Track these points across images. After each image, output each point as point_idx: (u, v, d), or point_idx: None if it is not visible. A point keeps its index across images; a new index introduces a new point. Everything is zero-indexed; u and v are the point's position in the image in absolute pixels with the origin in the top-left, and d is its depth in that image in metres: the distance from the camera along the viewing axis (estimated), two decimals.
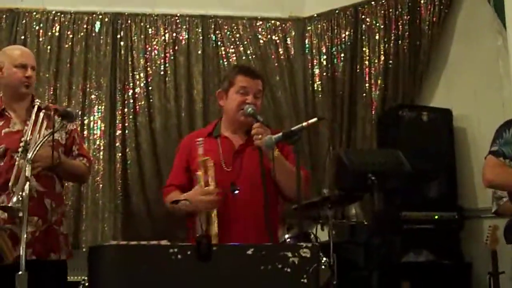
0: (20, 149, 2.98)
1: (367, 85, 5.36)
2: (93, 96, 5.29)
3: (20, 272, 2.16)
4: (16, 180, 2.82)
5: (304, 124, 2.86)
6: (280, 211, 3.35)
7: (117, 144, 5.28)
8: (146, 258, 2.02)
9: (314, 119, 2.92)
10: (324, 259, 3.83)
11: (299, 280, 2.13)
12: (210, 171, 2.93)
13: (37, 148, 2.52)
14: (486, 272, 4.38)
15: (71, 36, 5.32)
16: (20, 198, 2.34)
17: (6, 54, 3.26)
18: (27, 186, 2.31)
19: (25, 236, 2.26)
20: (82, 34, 5.34)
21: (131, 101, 5.35)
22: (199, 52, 5.48)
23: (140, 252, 2.07)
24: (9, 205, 2.48)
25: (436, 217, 4.79)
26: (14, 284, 2.24)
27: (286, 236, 4.39)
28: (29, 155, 2.42)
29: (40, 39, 5.27)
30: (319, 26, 5.57)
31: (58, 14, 5.34)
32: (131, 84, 5.36)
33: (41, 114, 2.94)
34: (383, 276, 3.86)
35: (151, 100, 5.38)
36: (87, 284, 2.56)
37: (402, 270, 4.60)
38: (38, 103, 3.09)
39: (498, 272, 4.24)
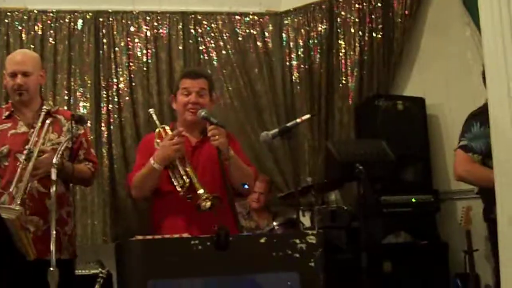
0: (24, 156, 3.03)
1: (343, 76, 5.57)
2: (78, 94, 5.39)
3: (51, 269, 2.29)
4: (16, 186, 2.90)
5: (298, 120, 3.08)
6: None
7: (103, 140, 5.40)
8: (170, 250, 2.21)
9: (307, 116, 3.13)
10: None
11: (307, 264, 2.35)
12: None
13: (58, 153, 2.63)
14: (461, 250, 4.65)
15: (53, 34, 5.40)
16: (18, 203, 2.46)
17: (6, 62, 3.37)
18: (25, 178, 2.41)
19: (54, 235, 2.38)
20: (64, 32, 5.42)
21: (115, 97, 5.47)
22: (180, 47, 5.62)
23: (164, 245, 2.26)
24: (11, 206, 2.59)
25: (413, 200, 5.04)
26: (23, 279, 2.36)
27: (274, 223, 4.60)
28: (55, 159, 2.55)
29: (23, 38, 5.34)
30: (296, 20, 5.75)
31: (40, 13, 5.41)
32: (115, 81, 5.48)
33: (47, 121, 3.01)
34: (366, 257, 4.08)
35: (134, 96, 5.51)
36: (105, 276, 2.72)
37: (383, 251, 4.84)
38: (45, 108, 3.12)
39: (472, 250, 4.50)
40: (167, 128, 3.24)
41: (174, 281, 2.20)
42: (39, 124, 3.19)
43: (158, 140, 3.20)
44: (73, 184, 3.65)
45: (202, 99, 3.31)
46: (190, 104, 3.25)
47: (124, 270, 2.22)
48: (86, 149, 3.44)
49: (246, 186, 3.04)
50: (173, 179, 3.09)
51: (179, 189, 3.03)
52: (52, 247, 2.35)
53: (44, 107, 3.27)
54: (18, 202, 2.63)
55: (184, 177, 3.03)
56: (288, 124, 3.07)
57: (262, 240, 2.32)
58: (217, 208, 3.02)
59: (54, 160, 2.61)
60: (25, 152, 3.06)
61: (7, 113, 3.34)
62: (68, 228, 3.32)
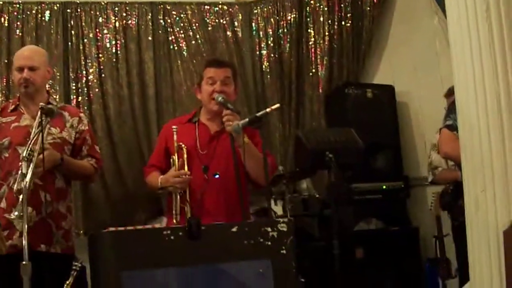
0: (25, 153, 2.95)
1: (313, 65, 5.59)
2: (47, 86, 5.31)
3: (24, 262, 2.29)
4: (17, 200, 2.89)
5: (268, 109, 3.10)
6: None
7: None
8: (142, 241, 2.22)
9: (277, 105, 3.16)
10: None
11: (279, 251, 2.38)
12: (183, 155, 3.16)
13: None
14: (431, 235, 4.74)
15: (20, 26, 5.30)
16: (21, 213, 2.48)
17: (14, 58, 3.51)
18: (28, 179, 2.45)
19: (26, 229, 2.38)
20: (31, 24, 5.32)
21: (85, 89, 5.39)
22: (149, 38, 5.56)
23: (136, 236, 2.26)
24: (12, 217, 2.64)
25: (384, 187, 5.11)
26: (12, 272, 2.38)
27: None
28: (24, 153, 2.53)
29: None
30: (265, 9, 5.74)
31: (6, 4, 5.30)
32: (84, 72, 5.40)
33: (44, 119, 2.99)
34: (338, 245, 4.12)
35: (104, 88, 5.44)
36: (78, 269, 2.72)
37: (355, 238, 4.90)
38: (42, 104, 3.09)
39: (442, 235, 4.58)
40: (183, 148, 3.28)
41: (147, 272, 2.21)
42: (37, 120, 3.17)
43: (174, 157, 3.28)
44: (75, 179, 3.68)
45: (227, 88, 3.39)
46: (216, 92, 3.30)
47: (97, 262, 2.23)
48: (90, 146, 3.52)
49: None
50: (173, 203, 3.18)
51: (173, 216, 3.15)
52: (24, 241, 2.35)
53: (42, 103, 3.24)
54: (25, 202, 2.62)
55: (177, 214, 3.14)
56: (258, 114, 3.08)
57: (234, 229, 2.34)
58: (226, 194, 3.18)
59: (24, 154, 2.61)
60: (25, 154, 3.04)
61: (12, 106, 3.45)
62: (66, 223, 3.39)
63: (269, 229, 2.38)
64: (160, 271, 2.22)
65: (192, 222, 2.25)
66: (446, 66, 4.84)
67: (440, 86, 4.94)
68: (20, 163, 2.70)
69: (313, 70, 5.60)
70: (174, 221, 3.12)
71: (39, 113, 2.91)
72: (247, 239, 2.35)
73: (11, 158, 3.26)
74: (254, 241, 2.35)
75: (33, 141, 2.74)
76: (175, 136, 3.23)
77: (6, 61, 5.23)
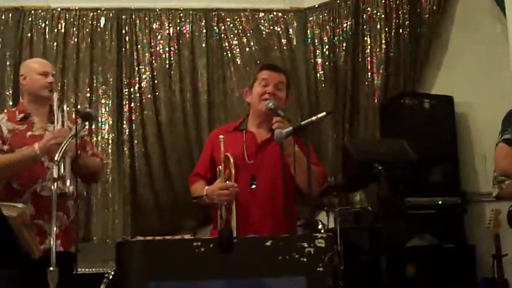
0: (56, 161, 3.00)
1: (369, 74, 5.44)
2: (100, 91, 5.40)
3: (51, 268, 2.25)
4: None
5: (314, 118, 2.95)
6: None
7: (124, 138, 5.39)
8: (172, 252, 2.14)
9: (323, 113, 2.98)
10: None
11: (315, 269, 2.25)
12: (230, 166, 3.06)
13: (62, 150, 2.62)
14: (489, 254, 4.50)
15: (76, 32, 5.42)
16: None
17: (28, 66, 3.47)
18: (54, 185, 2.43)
19: (55, 232, 2.35)
20: (87, 30, 5.44)
21: (137, 95, 5.46)
22: (203, 45, 5.58)
23: (165, 246, 2.18)
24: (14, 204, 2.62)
25: (440, 202, 4.89)
26: (42, 276, 2.37)
27: None
28: (56, 157, 2.51)
29: (46, 36, 5.37)
30: (321, 16, 5.65)
31: (63, 11, 5.43)
32: (137, 79, 5.47)
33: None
34: (389, 260, 3.96)
35: (156, 94, 5.49)
36: (111, 276, 2.67)
37: (407, 254, 4.70)
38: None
39: (501, 254, 4.35)
40: (231, 159, 3.13)
41: (174, 283, 2.13)
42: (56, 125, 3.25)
43: (220, 167, 3.16)
44: (86, 177, 3.60)
45: (279, 92, 3.27)
46: (268, 94, 3.21)
47: (124, 271, 2.16)
48: (91, 145, 3.54)
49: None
50: (218, 214, 3.08)
51: (218, 227, 3.05)
52: (52, 242, 2.32)
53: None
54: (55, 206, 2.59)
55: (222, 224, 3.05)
56: (303, 122, 2.95)
57: (268, 243, 2.23)
58: (272, 205, 3.07)
59: (56, 158, 2.58)
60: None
61: (21, 115, 3.39)
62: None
63: (305, 245, 2.25)
64: (188, 283, 2.13)
65: (224, 234, 2.15)
66: (509, 76, 4.66)
67: (501, 97, 4.71)
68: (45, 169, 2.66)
69: (369, 79, 5.45)
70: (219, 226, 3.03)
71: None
72: (281, 254, 2.23)
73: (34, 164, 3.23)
74: (289, 256, 2.23)
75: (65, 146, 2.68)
76: (222, 147, 3.10)
77: (61, 66, 5.32)
